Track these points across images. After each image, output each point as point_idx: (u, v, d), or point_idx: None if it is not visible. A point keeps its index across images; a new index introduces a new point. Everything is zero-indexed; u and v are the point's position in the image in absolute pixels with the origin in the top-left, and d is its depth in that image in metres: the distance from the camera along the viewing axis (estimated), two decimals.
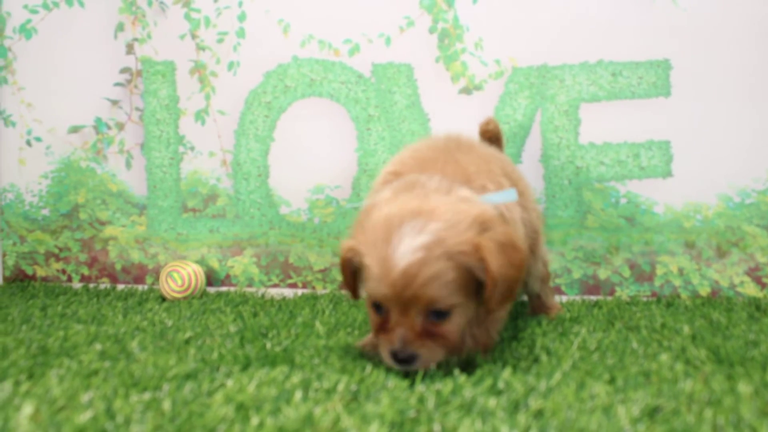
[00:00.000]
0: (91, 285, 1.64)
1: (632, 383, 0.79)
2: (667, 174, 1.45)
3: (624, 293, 1.47)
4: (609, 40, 1.46)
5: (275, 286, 1.58)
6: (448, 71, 1.51)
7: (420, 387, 0.77)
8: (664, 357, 0.92)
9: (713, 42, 1.43)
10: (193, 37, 1.59)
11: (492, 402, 0.71)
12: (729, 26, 1.43)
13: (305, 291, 1.56)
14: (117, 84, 1.62)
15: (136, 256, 1.63)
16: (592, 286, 1.48)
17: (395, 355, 0.81)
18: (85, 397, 0.73)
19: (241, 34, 1.57)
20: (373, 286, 0.82)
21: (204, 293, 1.54)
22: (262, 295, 1.52)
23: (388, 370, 0.83)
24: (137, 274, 1.64)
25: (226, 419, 0.67)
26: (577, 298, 1.47)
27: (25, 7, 1.62)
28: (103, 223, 1.64)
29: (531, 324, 1.18)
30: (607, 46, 1.46)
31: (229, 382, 0.79)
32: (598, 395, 0.74)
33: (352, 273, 0.88)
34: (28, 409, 0.68)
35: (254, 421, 0.65)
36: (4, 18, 1.64)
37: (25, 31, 1.63)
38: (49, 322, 1.23)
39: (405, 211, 0.80)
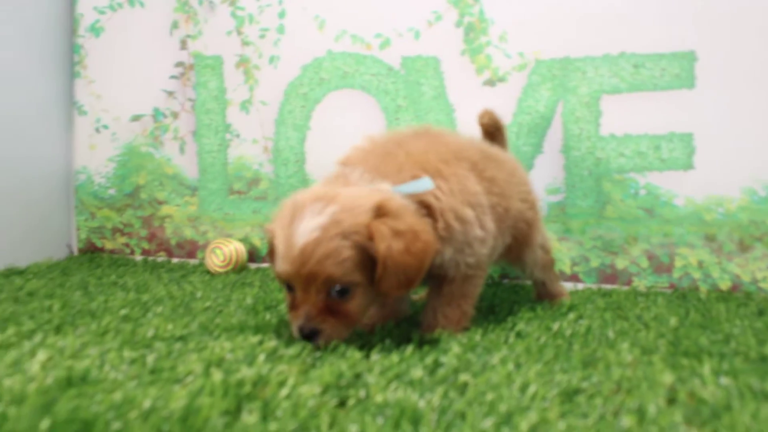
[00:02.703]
0: (150, 258, 1.82)
1: (569, 367, 0.84)
2: (689, 166, 1.45)
3: (641, 284, 1.49)
4: (632, 32, 1.47)
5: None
6: (473, 64, 1.57)
7: (374, 357, 0.86)
8: (625, 345, 0.96)
9: (740, 33, 1.41)
10: (239, 33, 1.72)
11: (420, 373, 0.79)
12: (755, 16, 1.40)
13: None
14: (172, 77, 1.78)
15: (188, 233, 1.80)
16: (609, 275, 1.51)
17: (300, 330, 0.88)
18: (89, 351, 0.87)
19: (281, 30, 1.69)
20: (279, 264, 0.89)
21: (245, 268, 1.68)
22: None
23: (347, 340, 0.92)
24: (190, 249, 1.80)
25: (193, 374, 0.77)
26: (594, 286, 1.51)
27: (95, 8, 1.81)
28: (160, 203, 1.81)
29: (524, 309, 1.23)
30: (629, 38, 1.47)
31: (211, 345, 0.91)
32: (528, 375, 0.80)
33: (273, 252, 0.94)
34: (41, 356, 0.82)
35: (215, 376, 0.76)
36: (77, 19, 1.83)
37: (95, 29, 1.82)
38: (100, 289, 1.39)
39: (309, 197, 0.87)
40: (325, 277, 0.85)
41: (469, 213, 0.98)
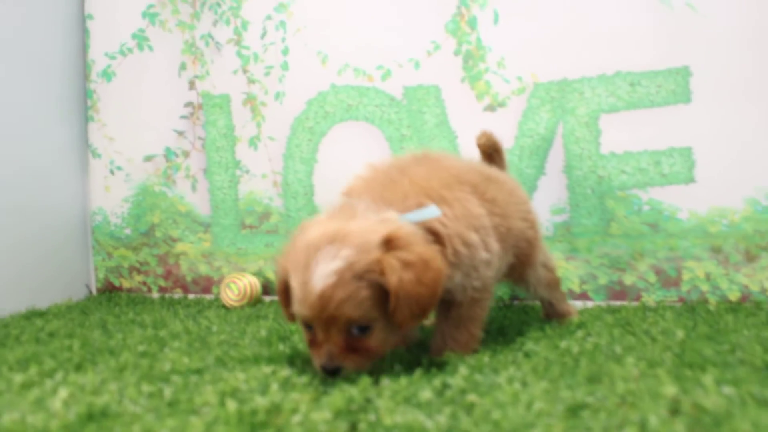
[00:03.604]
0: (167, 295, 1.85)
1: (574, 383, 0.86)
2: (690, 180, 1.47)
3: (650, 299, 1.50)
4: (626, 51, 1.50)
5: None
6: (473, 90, 1.60)
7: (384, 382, 0.88)
8: (631, 359, 0.97)
9: (733, 47, 1.44)
10: (245, 71, 1.77)
11: (428, 395, 0.81)
12: (748, 31, 1.43)
13: None
14: (182, 117, 1.83)
15: (203, 269, 1.83)
16: (618, 291, 1.52)
17: (323, 369, 0.90)
18: (109, 387, 0.90)
19: (285, 66, 1.74)
20: (297, 307, 0.90)
21: (259, 301, 1.71)
22: None
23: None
24: (205, 284, 1.84)
25: (209, 404, 0.80)
26: (603, 303, 1.52)
27: (106, 54, 1.87)
28: (175, 240, 1.85)
29: (533, 329, 1.25)
30: (624, 57, 1.51)
31: (226, 376, 0.93)
32: (533, 393, 0.82)
33: (285, 288, 0.96)
34: (63, 393, 0.85)
35: (230, 406, 0.78)
36: (90, 65, 1.89)
37: (106, 74, 1.88)
38: (118, 327, 1.43)
39: (323, 237, 0.88)
40: (346, 319, 0.87)
41: (474, 237, 1.00)
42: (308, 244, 0.89)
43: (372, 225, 0.91)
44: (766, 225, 1.43)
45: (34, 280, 1.74)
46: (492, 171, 1.19)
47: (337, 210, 0.98)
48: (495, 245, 1.05)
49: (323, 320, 0.88)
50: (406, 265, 0.87)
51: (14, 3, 1.70)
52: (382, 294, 0.88)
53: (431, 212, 0.95)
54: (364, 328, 0.89)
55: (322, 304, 0.86)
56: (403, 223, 0.93)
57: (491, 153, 1.31)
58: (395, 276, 0.86)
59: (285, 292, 0.96)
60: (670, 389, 0.80)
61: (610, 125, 1.52)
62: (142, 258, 1.89)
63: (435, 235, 0.95)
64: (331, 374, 0.90)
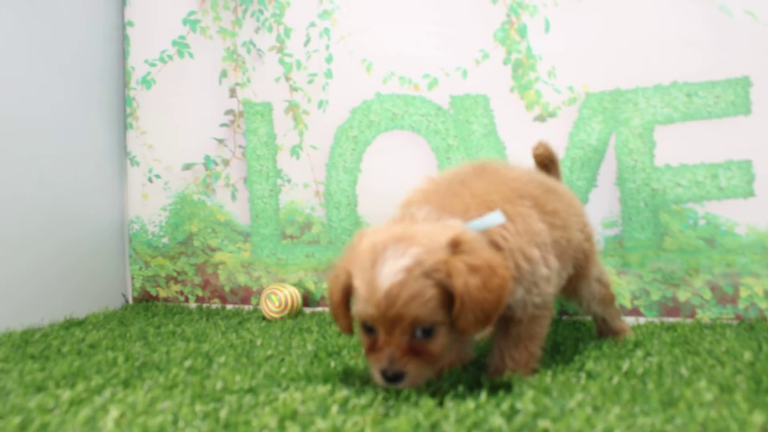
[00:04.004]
0: (204, 305, 1.83)
1: (649, 409, 0.82)
2: (749, 194, 1.43)
3: (705, 315, 1.45)
4: (683, 60, 1.46)
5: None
6: (523, 100, 1.57)
7: (449, 404, 0.85)
8: (702, 384, 0.93)
9: None
10: (287, 79, 1.74)
11: (499, 421, 0.77)
12: None
13: None
14: (222, 125, 1.81)
15: (242, 279, 1.81)
16: (671, 308, 1.48)
17: (384, 374, 0.87)
18: (161, 406, 0.87)
19: (329, 74, 1.71)
20: (361, 307, 0.88)
21: (300, 313, 1.68)
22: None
23: (420, 389, 0.91)
24: (243, 295, 1.81)
25: (268, 428, 0.77)
26: (656, 320, 1.48)
27: (146, 61, 1.86)
28: (213, 250, 1.83)
29: (589, 347, 1.21)
30: (681, 67, 1.46)
31: (282, 396, 0.90)
32: (608, 419, 0.78)
33: (344, 294, 0.93)
34: (114, 413, 0.82)
35: (291, 430, 0.75)
36: (129, 72, 1.88)
37: (146, 82, 1.86)
38: (159, 339, 1.40)
39: (389, 238, 0.87)
40: (412, 318, 0.85)
41: (535, 252, 0.98)
42: (374, 244, 0.88)
43: (438, 228, 0.89)
44: None
45: (70, 288, 1.72)
46: (551, 182, 1.17)
47: (398, 218, 0.97)
48: (554, 262, 1.03)
49: (389, 319, 0.85)
50: (473, 269, 0.85)
51: (54, 10, 1.69)
52: (446, 297, 0.86)
53: (495, 219, 0.93)
54: (428, 331, 0.87)
55: (388, 302, 0.84)
56: (468, 229, 0.92)
57: (547, 164, 1.29)
58: (461, 279, 0.84)
59: (344, 299, 0.94)
60: (758, 417, 0.76)
61: (665, 137, 1.47)
62: (179, 267, 1.86)
63: (496, 249, 0.93)
64: (392, 380, 0.87)
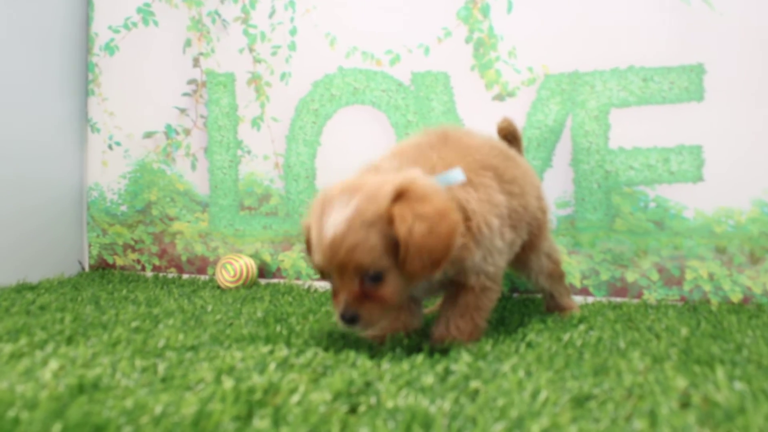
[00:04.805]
0: (161, 274, 1.82)
1: (580, 374, 0.84)
2: (698, 179, 1.45)
3: (652, 297, 1.48)
4: (641, 46, 1.48)
5: (321, 279, 1.70)
6: (483, 79, 1.58)
7: (385, 365, 0.86)
8: (636, 354, 0.96)
9: (749, 46, 1.42)
10: (251, 50, 1.74)
11: (430, 380, 0.79)
12: (765, 30, 1.41)
13: None
14: (184, 94, 1.80)
15: (199, 249, 1.81)
16: (619, 288, 1.50)
17: (342, 317, 0.91)
18: (101, 360, 0.87)
19: (292, 47, 1.71)
20: (315, 257, 0.93)
21: (255, 284, 1.69)
22: (308, 288, 1.65)
23: (357, 349, 0.93)
24: (200, 265, 1.81)
25: (204, 381, 0.78)
26: (604, 299, 1.50)
27: (110, 27, 1.84)
28: (171, 219, 1.82)
29: (534, 320, 1.23)
30: (638, 52, 1.48)
31: (222, 354, 0.91)
32: (539, 382, 0.80)
33: (310, 246, 0.97)
34: (53, 364, 0.83)
35: (226, 383, 0.76)
36: (93, 38, 1.86)
37: (109, 48, 1.85)
38: (111, 303, 1.40)
39: (338, 189, 0.90)
40: (356, 265, 0.88)
41: (495, 222, 1.01)
42: (325, 196, 0.92)
43: (388, 178, 0.92)
44: None
45: (26, 253, 1.71)
46: (510, 150, 1.20)
47: (363, 169, 1.00)
48: (509, 234, 1.06)
49: (336, 267, 0.90)
50: (418, 216, 0.87)
51: None
52: (393, 243, 0.88)
53: (456, 176, 0.96)
54: (377, 277, 0.90)
55: (333, 250, 0.88)
56: (425, 177, 0.94)
57: (510, 139, 1.32)
58: (405, 226, 0.87)
59: (309, 247, 0.98)
60: (681, 382, 0.78)
61: (620, 120, 1.49)
62: (137, 236, 1.86)
63: (461, 209, 0.96)
64: (349, 322, 0.91)
